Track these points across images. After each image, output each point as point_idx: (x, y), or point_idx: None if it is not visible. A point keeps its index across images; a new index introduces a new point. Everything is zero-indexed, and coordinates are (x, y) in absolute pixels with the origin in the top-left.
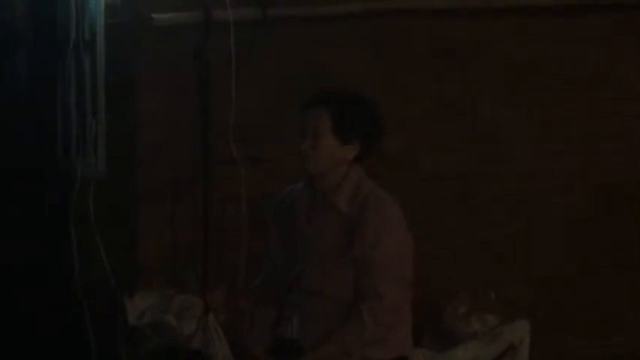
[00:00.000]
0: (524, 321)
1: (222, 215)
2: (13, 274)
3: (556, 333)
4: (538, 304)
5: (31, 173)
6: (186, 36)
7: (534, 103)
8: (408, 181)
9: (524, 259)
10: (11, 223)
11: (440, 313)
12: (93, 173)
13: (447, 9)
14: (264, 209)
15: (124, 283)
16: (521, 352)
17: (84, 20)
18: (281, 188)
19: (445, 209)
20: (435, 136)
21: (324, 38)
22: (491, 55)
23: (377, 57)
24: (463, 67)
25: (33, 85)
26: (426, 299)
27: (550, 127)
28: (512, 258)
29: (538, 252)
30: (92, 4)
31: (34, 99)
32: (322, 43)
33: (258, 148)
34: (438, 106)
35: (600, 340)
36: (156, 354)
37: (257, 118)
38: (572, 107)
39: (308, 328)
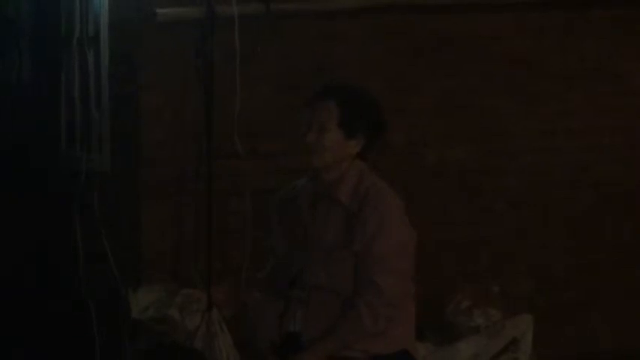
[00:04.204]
0: (527, 315)
1: (226, 210)
2: (16, 267)
3: (558, 327)
4: (540, 298)
5: (35, 167)
6: (190, 31)
7: (535, 98)
8: (410, 176)
9: (526, 254)
10: (15, 217)
11: (443, 307)
12: (97, 167)
13: (448, 4)
14: (268, 205)
15: (128, 277)
16: (524, 346)
17: (88, 16)
18: (285, 183)
19: (447, 204)
20: (437, 131)
21: (326, 33)
22: (492, 50)
23: (379, 52)
24: (465, 62)
25: (37, 80)
26: (428, 293)
27: (551, 122)
28: (514, 252)
29: (540, 247)
30: (96, 0)
31: (39, 94)
32: (325, 37)
33: (262, 143)
34: (440, 101)
35: (601, 334)
36: (158, 349)
37: (260, 113)
38: (572, 102)
39: (311, 323)
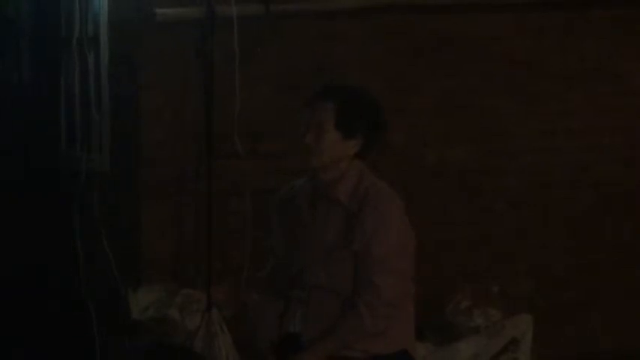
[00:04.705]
0: (527, 315)
1: (226, 210)
2: (16, 267)
3: (558, 327)
4: (540, 298)
5: (35, 167)
6: (190, 31)
7: (535, 98)
8: (410, 176)
9: (526, 254)
10: (15, 217)
11: (442, 307)
12: (97, 167)
13: (448, 4)
14: (269, 206)
15: (128, 277)
16: (524, 346)
17: (87, 16)
18: (284, 182)
19: (447, 204)
20: (437, 131)
21: (326, 33)
22: (492, 50)
23: (379, 52)
24: (465, 62)
25: (37, 80)
26: (428, 293)
27: (551, 122)
28: (514, 252)
29: (540, 246)
30: (95, 0)
31: (39, 94)
32: (325, 38)
33: (262, 143)
34: (440, 101)
35: (601, 334)
36: (158, 349)
37: (260, 113)
38: (572, 102)
39: (311, 323)
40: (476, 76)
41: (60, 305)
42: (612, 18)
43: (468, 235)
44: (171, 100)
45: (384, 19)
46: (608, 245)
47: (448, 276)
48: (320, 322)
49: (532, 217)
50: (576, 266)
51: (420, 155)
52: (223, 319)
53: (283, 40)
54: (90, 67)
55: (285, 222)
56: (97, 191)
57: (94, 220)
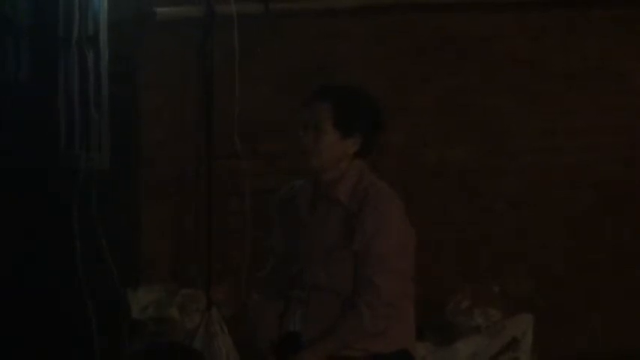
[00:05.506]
0: (528, 315)
1: (226, 210)
2: (16, 267)
3: (558, 327)
4: (540, 298)
5: (34, 167)
6: (190, 30)
7: (536, 97)
8: (410, 175)
9: (526, 254)
10: (15, 217)
11: (442, 307)
12: (96, 165)
13: (451, 3)
14: (269, 206)
15: (128, 277)
16: (524, 346)
17: (87, 15)
18: (284, 182)
19: (447, 203)
20: (437, 131)
21: (328, 32)
22: (494, 49)
23: (380, 51)
24: (466, 61)
25: (36, 79)
26: (428, 293)
27: (552, 121)
28: (514, 252)
29: (540, 247)
30: None
31: (37, 93)
32: (325, 37)
33: (262, 143)
34: (441, 100)
35: (601, 334)
36: (157, 349)
37: (260, 113)
38: (574, 102)
39: (311, 323)
40: (478, 75)
41: (60, 305)
42: (614, 17)
43: (468, 235)
44: (171, 100)
45: (385, 18)
46: (608, 245)
47: (448, 276)
48: (320, 322)
49: (532, 217)
50: (576, 266)
51: (420, 155)
52: (223, 319)
53: (283, 39)
54: (89, 66)
55: (285, 222)
56: (96, 190)
57: (94, 219)
